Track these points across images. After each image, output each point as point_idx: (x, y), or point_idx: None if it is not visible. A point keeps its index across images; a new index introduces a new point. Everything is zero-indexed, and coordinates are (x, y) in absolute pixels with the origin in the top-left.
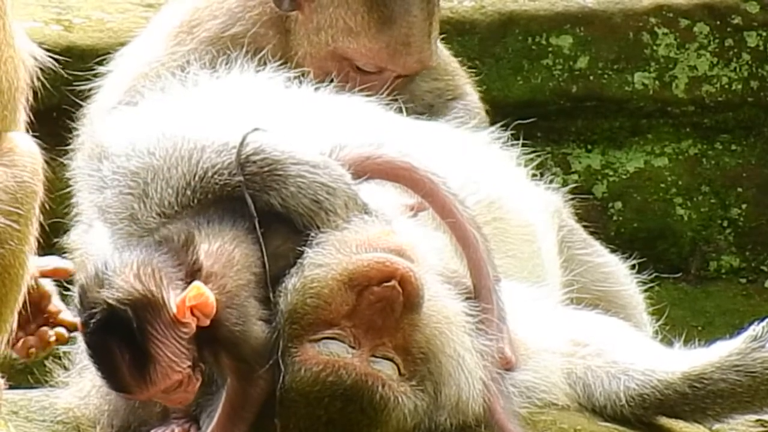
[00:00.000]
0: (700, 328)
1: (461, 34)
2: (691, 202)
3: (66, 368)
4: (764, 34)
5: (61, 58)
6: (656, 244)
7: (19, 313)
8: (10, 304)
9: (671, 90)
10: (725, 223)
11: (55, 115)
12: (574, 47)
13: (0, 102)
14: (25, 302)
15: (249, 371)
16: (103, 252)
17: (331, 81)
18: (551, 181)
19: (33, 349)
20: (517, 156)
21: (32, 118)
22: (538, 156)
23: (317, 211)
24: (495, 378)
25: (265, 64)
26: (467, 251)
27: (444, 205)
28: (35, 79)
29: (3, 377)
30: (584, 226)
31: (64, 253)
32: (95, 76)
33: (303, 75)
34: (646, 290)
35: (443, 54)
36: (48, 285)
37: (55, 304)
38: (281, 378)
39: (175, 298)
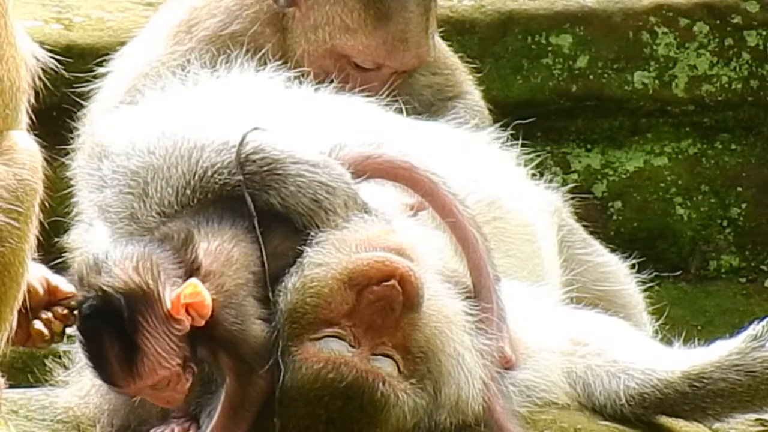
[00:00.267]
0: (699, 327)
1: (461, 33)
2: (691, 201)
3: (66, 367)
4: (764, 33)
5: (61, 57)
6: (656, 244)
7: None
8: (10, 302)
9: (671, 89)
10: (725, 223)
11: (55, 114)
12: (573, 47)
13: (1, 101)
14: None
15: (248, 371)
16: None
17: (331, 80)
18: (551, 181)
19: (53, 324)
20: (517, 156)
21: (32, 117)
22: (538, 155)
23: (317, 210)
24: (495, 377)
25: (264, 63)
26: (467, 251)
27: (444, 204)
28: (36, 79)
29: (3, 376)
30: (584, 226)
31: (64, 252)
32: (95, 75)
33: (302, 74)
34: (645, 290)
35: (442, 48)
36: (55, 278)
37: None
38: (281, 377)
39: (170, 294)
